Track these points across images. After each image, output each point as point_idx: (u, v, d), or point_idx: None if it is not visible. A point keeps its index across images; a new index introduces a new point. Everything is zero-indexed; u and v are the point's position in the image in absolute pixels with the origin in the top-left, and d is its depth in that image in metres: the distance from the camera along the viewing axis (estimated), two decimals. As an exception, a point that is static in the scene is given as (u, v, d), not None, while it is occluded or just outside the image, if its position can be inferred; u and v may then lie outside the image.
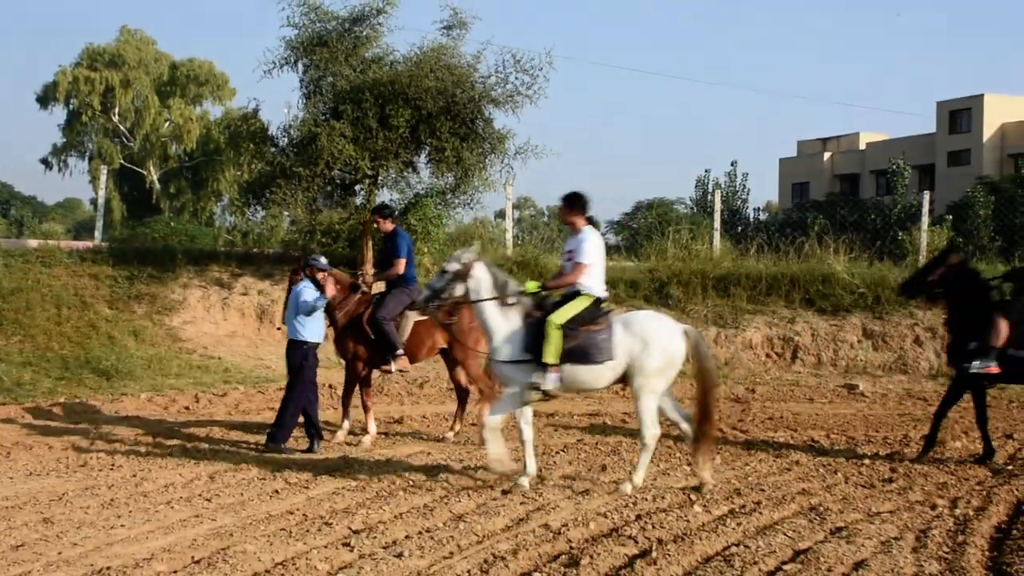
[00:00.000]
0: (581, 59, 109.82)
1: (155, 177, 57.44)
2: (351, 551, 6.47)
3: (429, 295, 8.47)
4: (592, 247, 8.49)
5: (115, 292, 16.68)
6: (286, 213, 17.14)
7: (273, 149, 16.32)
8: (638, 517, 7.46)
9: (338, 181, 16.53)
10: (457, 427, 11.17)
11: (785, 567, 6.28)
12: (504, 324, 8.34)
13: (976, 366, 9.75)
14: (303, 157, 15.58)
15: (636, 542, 6.76)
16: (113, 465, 9.36)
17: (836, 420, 12.75)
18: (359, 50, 16.15)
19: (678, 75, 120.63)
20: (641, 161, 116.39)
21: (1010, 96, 53.58)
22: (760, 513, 7.63)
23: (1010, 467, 9.69)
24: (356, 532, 6.93)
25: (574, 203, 8.67)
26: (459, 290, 8.39)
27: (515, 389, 8.34)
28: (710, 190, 62.53)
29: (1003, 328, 9.66)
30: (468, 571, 6.11)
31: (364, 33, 16.23)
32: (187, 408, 12.90)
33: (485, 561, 6.29)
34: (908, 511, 7.81)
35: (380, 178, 16.47)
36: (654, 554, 6.42)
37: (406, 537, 6.80)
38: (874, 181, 56.04)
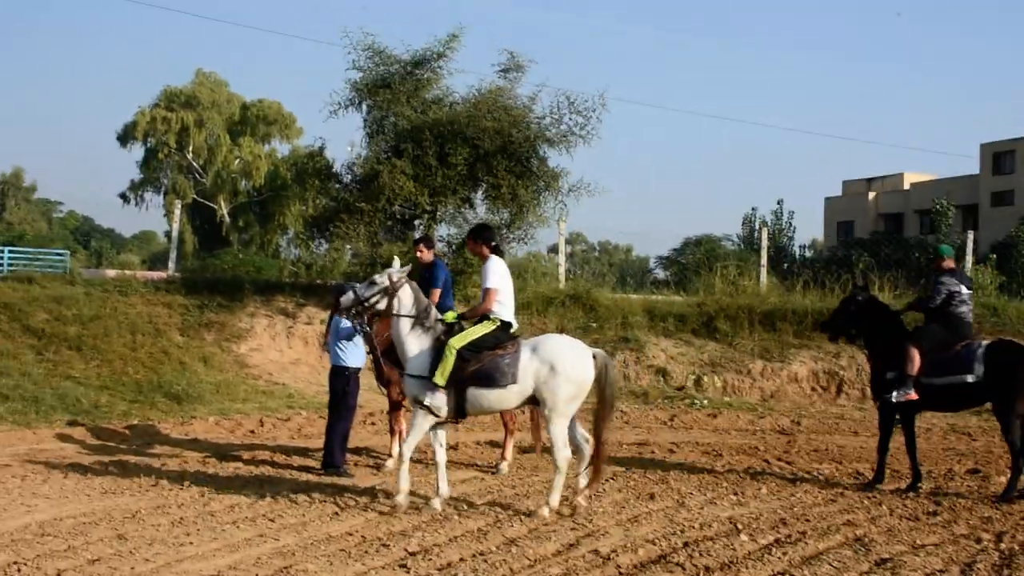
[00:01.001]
0: (634, 101, 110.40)
1: (225, 211, 59.97)
2: (408, 572, 6.76)
3: (353, 300, 8.87)
4: (495, 273, 8.87)
5: (186, 320, 17.23)
6: (348, 246, 17.67)
7: (337, 185, 16.89)
8: (686, 545, 7.67)
9: (398, 216, 17.03)
10: (508, 456, 11.45)
11: (831, 596, 6.48)
12: (416, 344, 8.72)
13: (895, 396, 10.08)
14: (366, 193, 16.20)
15: (684, 569, 6.98)
16: (183, 485, 9.72)
17: (872, 453, 12.83)
18: (420, 92, 16.79)
19: (728, 116, 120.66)
20: (690, 199, 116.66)
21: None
22: (806, 543, 7.81)
23: (1055, 503, 9.76)
24: (412, 554, 7.21)
25: (477, 235, 9.34)
26: (383, 304, 8.79)
27: (417, 408, 8.64)
28: (757, 227, 62.73)
29: (916, 357, 9.96)
30: (523, 592, 6.37)
31: (425, 76, 16.88)
32: (252, 432, 13.32)
33: (538, 584, 6.56)
34: (953, 544, 7.95)
35: (438, 213, 16.93)
36: (702, 580, 6.66)
37: (460, 560, 7.07)
38: (918, 220, 55.95)
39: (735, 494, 9.90)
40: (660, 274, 62.45)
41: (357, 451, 11.63)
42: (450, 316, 8.99)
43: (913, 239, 48.61)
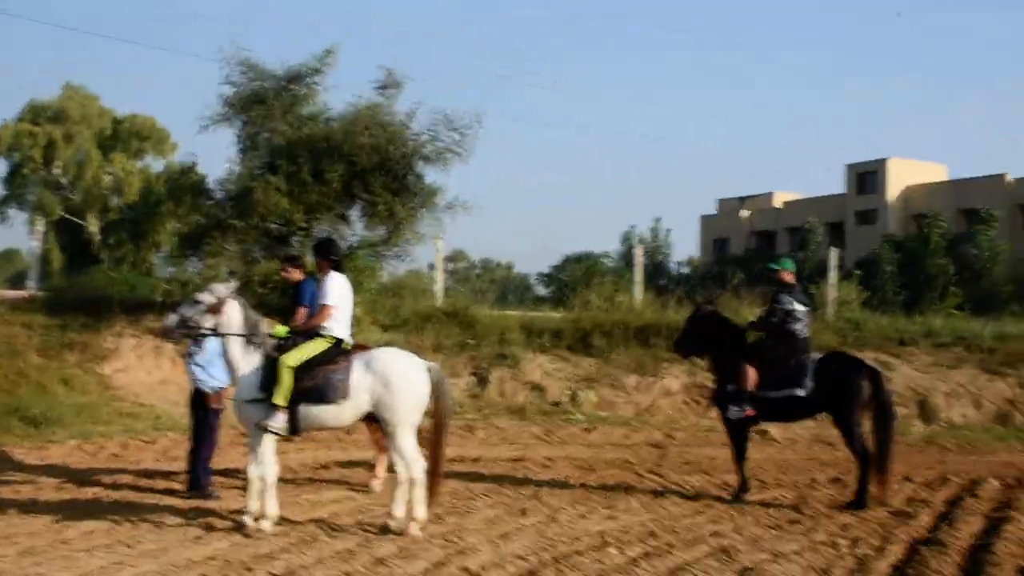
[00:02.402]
0: (512, 118, 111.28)
1: (96, 228, 57.86)
2: (270, 596, 6.61)
3: (178, 322, 8.64)
4: (335, 290, 8.82)
5: (47, 341, 16.51)
6: (224, 266, 17.29)
7: (209, 202, 16.49)
8: (555, 560, 7.70)
9: (273, 233, 16.69)
10: (380, 474, 11.31)
11: (693, 606, 6.58)
12: (246, 363, 8.58)
13: (733, 412, 10.48)
14: (238, 209, 15.84)
15: (552, 584, 7.01)
16: (34, 512, 9.30)
17: (749, 464, 13.03)
18: (295, 107, 16.56)
19: (604, 131, 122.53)
20: (570, 217, 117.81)
21: (912, 160, 56.19)
22: (673, 554, 7.95)
23: (908, 509, 10.14)
24: (277, 576, 7.07)
25: (319, 250, 9.29)
26: (209, 322, 8.61)
27: (253, 431, 8.51)
28: (634, 244, 64.24)
29: (751, 372, 10.34)
30: (388, 612, 6.28)
31: (300, 91, 16.63)
32: (115, 455, 12.82)
33: (403, 603, 6.48)
34: (812, 551, 8.17)
35: (313, 230, 16.69)
36: (568, 595, 6.68)
37: (326, 581, 6.96)
38: (789, 238, 57.86)
39: (606, 508, 10.00)
40: (541, 291, 63.26)
41: (226, 472, 11.32)
42: (280, 331, 8.81)
43: (784, 256, 50.14)
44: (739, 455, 10.82)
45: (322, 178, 15.68)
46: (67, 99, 60.42)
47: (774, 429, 15.47)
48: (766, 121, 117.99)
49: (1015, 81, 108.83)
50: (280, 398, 8.34)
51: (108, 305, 17.73)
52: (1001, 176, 51.76)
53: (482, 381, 16.79)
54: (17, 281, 60.04)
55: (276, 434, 8.60)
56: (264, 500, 8.60)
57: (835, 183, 62.30)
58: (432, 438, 8.81)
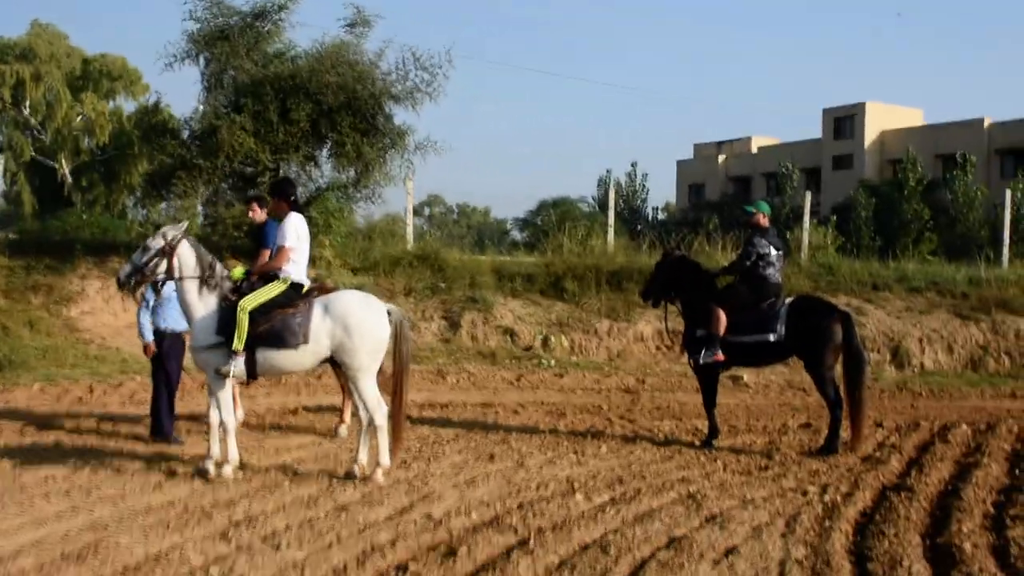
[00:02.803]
0: (489, 60, 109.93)
1: (67, 171, 57.02)
2: (228, 543, 6.45)
3: (130, 271, 8.37)
4: (293, 231, 8.56)
5: (11, 283, 16.18)
6: (200, 206, 16.99)
7: (174, 141, 16.07)
8: (520, 506, 7.60)
9: (241, 174, 16.33)
10: (347, 419, 11.18)
11: (659, 554, 6.46)
12: (202, 307, 8.33)
13: (703, 357, 10.35)
14: (204, 149, 15.47)
15: (516, 531, 6.88)
16: (-8, 457, 9.13)
17: (721, 410, 12.96)
18: (260, 45, 16.13)
19: (576, 76, 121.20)
20: (548, 161, 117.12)
21: (889, 105, 55.94)
22: (640, 501, 7.86)
23: (878, 454, 10.11)
24: (236, 524, 6.90)
25: (275, 190, 9.00)
26: (163, 267, 8.34)
27: (212, 376, 8.32)
28: (610, 189, 63.91)
29: (721, 317, 10.23)
30: (344, 562, 6.13)
31: (266, 28, 16.21)
32: (80, 399, 12.60)
33: (363, 552, 6.34)
34: (780, 497, 8.11)
35: (281, 171, 16.35)
36: (532, 543, 6.55)
37: (286, 528, 6.80)
38: (765, 183, 57.72)
39: (575, 453, 9.91)
40: (517, 236, 63.04)
41: (193, 418, 11.14)
42: (237, 272, 8.57)
43: (760, 199, 50.07)
44: (709, 401, 10.74)
45: (288, 117, 15.32)
46: (35, 36, 59.39)
47: (747, 375, 15.48)
48: (744, 66, 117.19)
49: (993, 25, 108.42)
50: (238, 343, 8.13)
51: (74, 248, 17.40)
52: (979, 121, 51.66)
53: (453, 325, 16.63)
54: (-8, 224, 59.58)
55: (249, 379, 8.44)
56: (225, 446, 8.43)
57: (813, 128, 62.09)
58: (393, 383, 8.61)
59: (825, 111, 57.58)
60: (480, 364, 15.59)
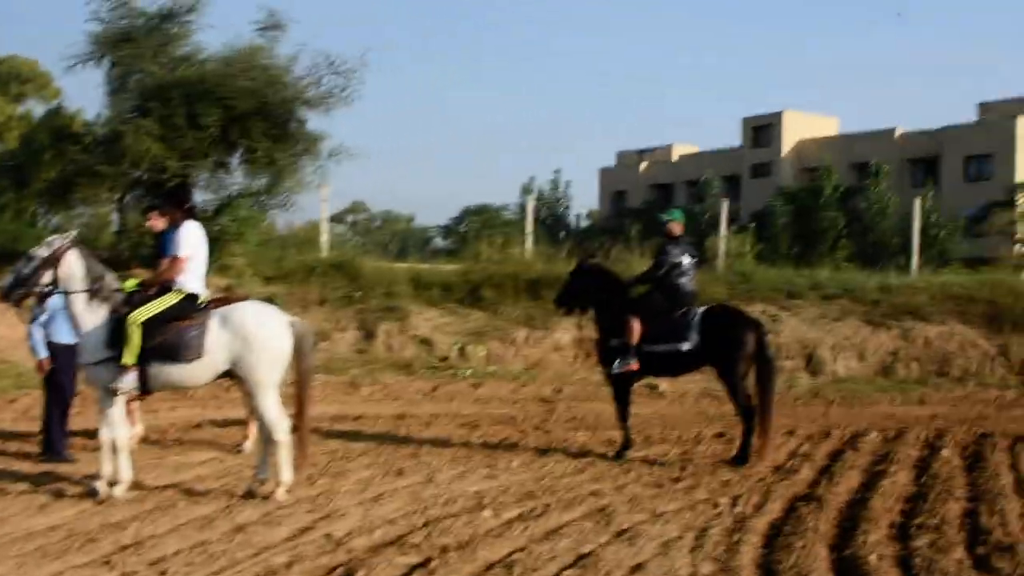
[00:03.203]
0: (403, 68, 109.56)
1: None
2: (111, 570, 6.12)
3: (12, 282, 7.98)
4: (188, 240, 8.25)
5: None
6: (115, 214, 16.38)
7: (76, 147, 15.51)
8: (426, 524, 7.37)
9: (148, 181, 15.80)
10: (252, 434, 10.82)
11: (565, 572, 6.30)
12: (91, 319, 7.98)
13: (617, 366, 10.29)
14: (108, 155, 14.95)
15: (420, 550, 6.66)
16: None
17: (636, 420, 12.86)
18: (168, 48, 15.63)
19: (504, 84, 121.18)
20: (471, 168, 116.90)
21: (806, 114, 57.07)
22: (548, 516, 7.68)
23: (790, 463, 10.10)
24: (123, 548, 6.55)
25: (170, 199, 8.81)
26: (47, 278, 7.95)
27: (102, 391, 8.02)
28: (534, 196, 64.11)
29: (636, 326, 10.17)
30: (235, 587, 5.87)
31: (174, 30, 15.68)
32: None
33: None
34: (691, 510, 8.01)
35: (191, 178, 15.89)
36: (434, 563, 6.34)
37: (176, 552, 6.48)
38: (686, 191, 58.34)
39: (486, 467, 9.72)
40: (439, 243, 62.79)
41: (89, 434, 10.65)
42: (129, 284, 8.20)
43: (674, 207, 50.62)
44: (622, 411, 10.63)
45: (197, 123, 14.90)
46: (-52, 42, 57.68)
47: (663, 383, 15.43)
48: (667, 74, 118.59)
49: (905, 35, 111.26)
50: (128, 357, 7.76)
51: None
52: (891, 131, 52.85)
53: (368, 335, 16.34)
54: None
55: (141, 393, 8.15)
56: (117, 464, 8.05)
57: (732, 137, 62.94)
58: (296, 397, 8.32)
59: (744, 120, 58.53)
60: (395, 375, 15.34)
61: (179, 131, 14.89)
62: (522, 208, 60.60)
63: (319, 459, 9.76)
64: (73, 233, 8.30)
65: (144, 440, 10.47)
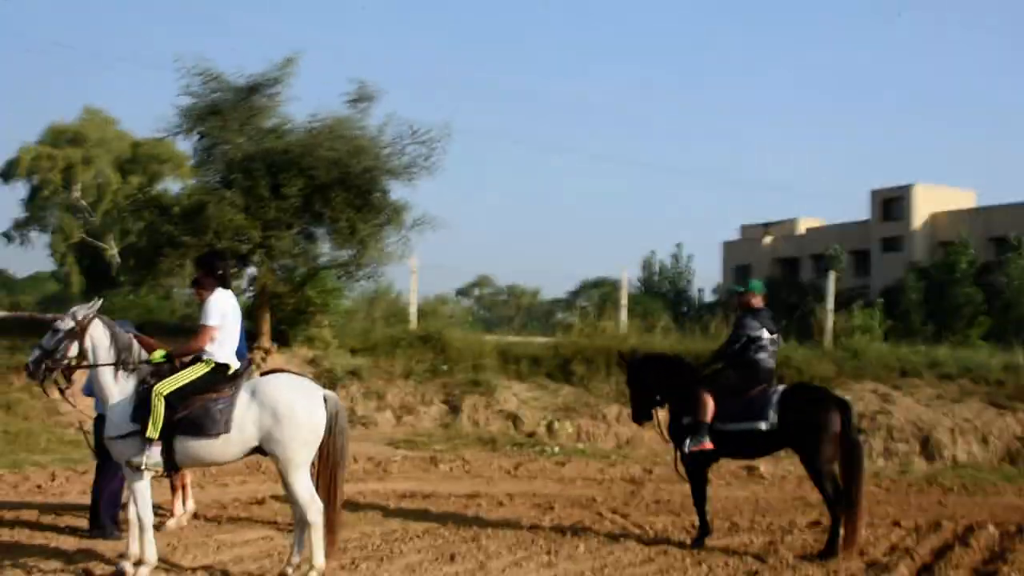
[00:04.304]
0: (516, 141, 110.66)
1: (115, 251, 58.01)
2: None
3: (39, 356, 7.65)
4: (218, 309, 7.83)
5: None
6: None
7: (162, 217, 15.69)
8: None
9: (231, 252, 15.81)
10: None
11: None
12: (117, 392, 7.59)
13: (688, 445, 9.46)
14: (191, 226, 15.03)
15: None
16: None
17: (726, 503, 12.10)
18: (254, 119, 15.70)
19: (627, 159, 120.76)
20: (590, 241, 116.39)
21: (938, 186, 54.86)
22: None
23: (886, 559, 9.08)
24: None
25: (202, 265, 8.31)
26: (74, 350, 7.63)
27: (129, 470, 7.58)
28: (656, 271, 63.08)
29: (708, 401, 9.38)
30: None
31: (260, 102, 15.78)
32: (39, 487, 11.91)
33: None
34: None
35: (275, 249, 15.82)
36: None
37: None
38: (812, 265, 56.61)
39: (547, 554, 9.00)
40: (559, 316, 62.28)
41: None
42: (157, 355, 7.83)
43: (807, 283, 49.14)
44: (699, 495, 9.79)
45: (280, 193, 14.86)
46: (86, 122, 61.07)
47: (763, 465, 14.45)
48: (792, 147, 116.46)
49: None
50: (152, 430, 7.41)
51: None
52: (1032, 202, 50.29)
53: (454, 410, 15.85)
54: (48, 304, 60.57)
55: (168, 471, 7.73)
56: (143, 544, 7.67)
57: (860, 210, 60.93)
58: (326, 478, 7.79)
59: (873, 192, 56.69)
60: (478, 451, 14.74)
61: (262, 202, 14.88)
62: (643, 282, 60.01)
63: (373, 541, 9.25)
64: (98, 302, 8.03)
65: (199, 516, 10.13)
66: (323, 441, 7.72)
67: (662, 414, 10.21)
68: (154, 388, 7.47)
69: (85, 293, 54.43)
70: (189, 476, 10.00)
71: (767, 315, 9.91)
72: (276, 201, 14.90)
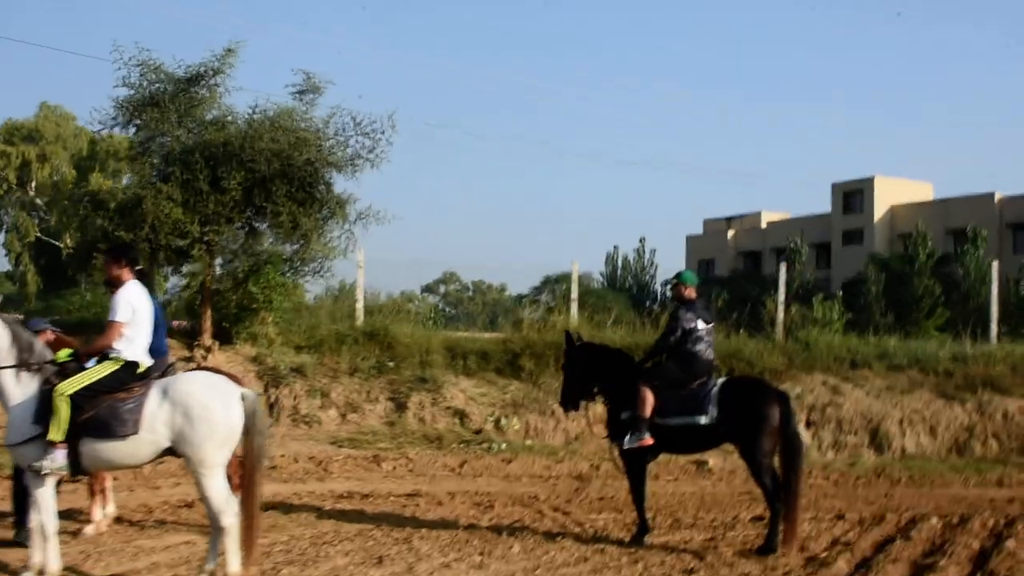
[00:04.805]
0: (490, 133, 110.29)
1: (71, 249, 57.11)
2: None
3: None
4: (127, 303, 7.51)
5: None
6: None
7: (98, 212, 15.23)
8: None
9: (169, 246, 15.36)
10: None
11: None
12: (19, 393, 7.24)
13: (628, 441, 9.30)
14: (127, 221, 14.59)
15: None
16: None
17: (671, 499, 11.93)
18: (194, 111, 15.26)
19: (585, 153, 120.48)
20: (553, 235, 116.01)
21: (898, 179, 55.10)
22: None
23: (825, 554, 8.90)
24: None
25: (114, 255, 7.87)
26: None
27: (31, 475, 7.25)
28: (619, 265, 62.98)
29: (648, 397, 9.21)
30: None
31: (200, 94, 15.35)
32: None
33: None
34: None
35: (217, 244, 15.44)
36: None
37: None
38: (775, 258, 56.68)
39: (480, 554, 8.77)
40: (524, 314, 61.97)
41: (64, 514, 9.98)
42: (62, 354, 7.47)
43: (769, 277, 49.18)
44: (637, 491, 9.60)
45: (219, 187, 14.46)
46: (43, 119, 60.05)
47: (712, 460, 14.27)
48: (756, 139, 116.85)
49: (1003, 98, 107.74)
50: (56, 432, 7.06)
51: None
52: (990, 195, 50.59)
53: (399, 407, 15.53)
54: (3, 305, 59.63)
55: (74, 474, 7.42)
56: (47, 552, 7.32)
57: (822, 203, 61.04)
58: (243, 480, 7.50)
59: (834, 186, 56.81)
60: (424, 449, 14.44)
61: (201, 195, 14.46)
62: (606, 277, 59.85)
63: (302, 544, 8.97)
64: None
65: (122, 521, 9.78)
66: (244, 441, 7.43)
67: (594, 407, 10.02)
68: (56, 388, 7.12)
69: (41, 292, 53.69)
70: (109, 480, 9.63)
71: (702, 306, 9.72)
72: (215, 195, 14.48)
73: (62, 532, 9.04)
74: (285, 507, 10.76)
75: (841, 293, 37.87)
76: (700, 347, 9.40)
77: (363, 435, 14.77)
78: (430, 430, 15.22)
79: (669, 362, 9.49)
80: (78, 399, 7.11)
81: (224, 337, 15.87)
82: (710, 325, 9.59)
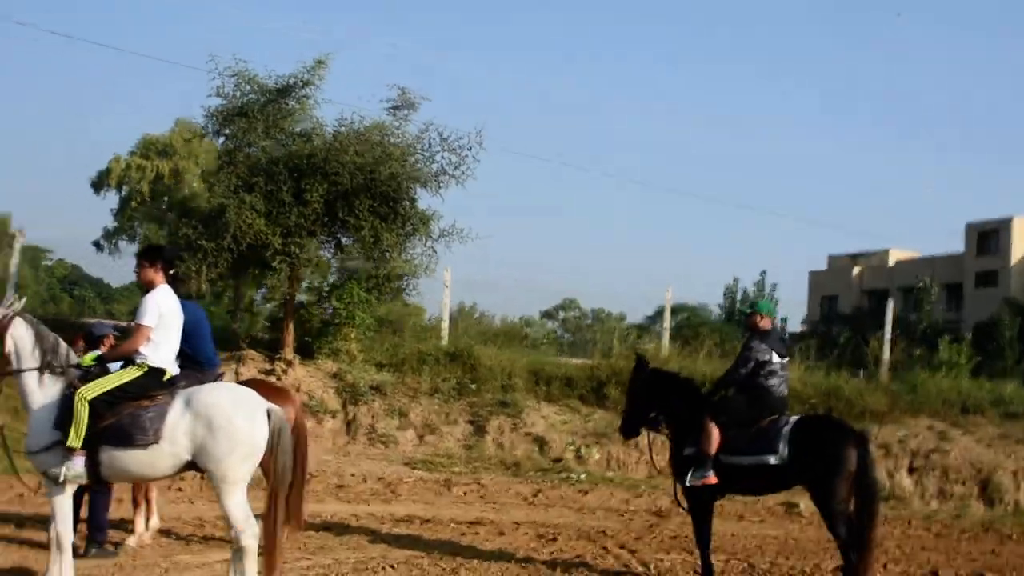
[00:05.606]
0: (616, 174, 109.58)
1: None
2: None
3: None
4: (155, 307, 7.12)
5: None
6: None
7: (183, 220, 15.32)
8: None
9: (250, 257, 15.29)
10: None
11: None
12: (41, 397, 6.90)
13: (690, 478, 8.58)
14: (210, 230, 14.60)
15: None
16: None
17: (751, 542, 11.13)
18: (282, 122, 15.23)
19: (711, 197, 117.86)
20: (675, 268, 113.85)
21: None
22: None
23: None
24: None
25: (148, 257, 7.45)
26: None
27: (48, 482, 6.94)
28: (739, 298, 61.50)
29: (714, 432, 8.48)
30: None
31: (289, 105, 15.32)
32: (22, 496, 11.41)
33: None
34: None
35: (299, 256, 15.27)
36: None
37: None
38: (902, 297, 54.43)
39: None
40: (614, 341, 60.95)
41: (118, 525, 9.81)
42: (88, 358, 7.19)
43: (895, 316, 47.29)
44: (701, 533, 8.89)
45: (303, 199, 14.33)
46: (176, 134, 61.91)
47: (803, 502, 13.35)
48: (885, 178, 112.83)
49: None
50: (75, 439, 6.77)
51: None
52: None
53: (479, 430, 15.08)
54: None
55: (95, 484, 7.22)
56: (61, 565, 7.03)
57: (954, 243, 58.41)
58: (268, 501, 7.05)
59: (969, 226, 54.44)
60: (499, 475, 13.95)
61: (284, 207, 14.36)
62: (725, 310, 58.41)
63: (343, 569, 8.57)
64: (17, 300, 7.34)
65: (170, 534, 9.54)
66: (265, 459, 7.05)
67: (657, 438, 9.37)
68: (78, 392, 6.87)
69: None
70: (154, 491, 9.40)
71: (776, 337, 8.98)
72: (298, 207, 14.36)
73: (109, 542, 8.95)
74: (340, 528, 10.40)
75: (971, 336, 35.96)
76: (773, 381, 8.67)
77: (439, 457, 14.38)
78: (508, 456, 14.72)
79: (738, 396, 8.78)
80: (99, 404, 6.84)
81: (306, 352, 15.72)
82: (785, 360, 8.84)
